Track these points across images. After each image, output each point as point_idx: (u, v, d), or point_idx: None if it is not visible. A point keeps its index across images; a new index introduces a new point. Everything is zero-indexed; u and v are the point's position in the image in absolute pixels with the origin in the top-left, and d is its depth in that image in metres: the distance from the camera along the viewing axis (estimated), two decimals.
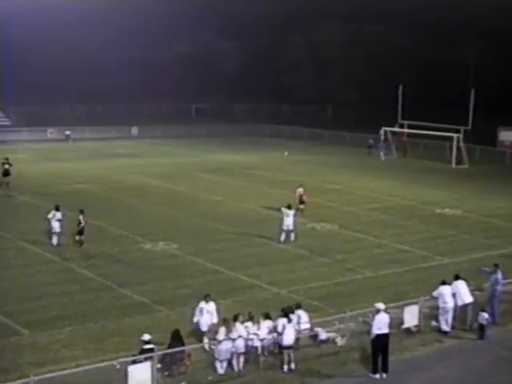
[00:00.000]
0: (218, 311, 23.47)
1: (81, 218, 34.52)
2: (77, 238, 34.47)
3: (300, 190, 43.64)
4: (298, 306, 23.66)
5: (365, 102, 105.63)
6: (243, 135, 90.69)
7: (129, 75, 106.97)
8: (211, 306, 23.24)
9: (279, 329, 21.97)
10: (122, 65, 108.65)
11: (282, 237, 36.27)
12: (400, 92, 72.49)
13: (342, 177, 58.95)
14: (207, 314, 23.05)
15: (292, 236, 36.41)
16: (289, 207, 36.69)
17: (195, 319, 23.13)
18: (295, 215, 37.32)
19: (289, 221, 36.23)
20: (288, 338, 21.88)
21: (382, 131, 73.28)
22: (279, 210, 37.97)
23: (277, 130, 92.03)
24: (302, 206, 42.84)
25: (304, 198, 43.27)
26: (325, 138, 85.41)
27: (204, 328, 23.04)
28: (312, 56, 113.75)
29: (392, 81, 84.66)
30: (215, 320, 23.04)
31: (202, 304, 23.18)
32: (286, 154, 73.46)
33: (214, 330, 22.54)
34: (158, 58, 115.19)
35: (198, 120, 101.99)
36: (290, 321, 22.17)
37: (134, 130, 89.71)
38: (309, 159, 70.39)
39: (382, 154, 72.48)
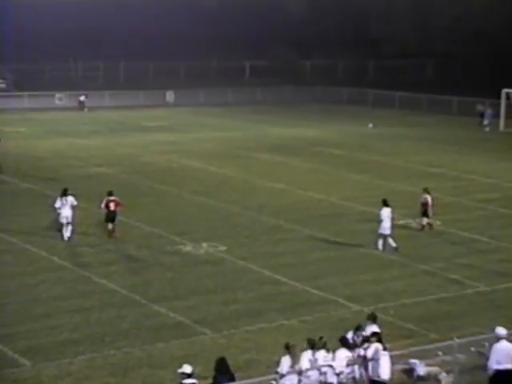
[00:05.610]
0: None
1: (112, 199, 36.11)
2: (109, 226, 35.93)
3: (427, 197, 38.98)
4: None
5: (480, 55, 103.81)
6: (314, 102, 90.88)
7: (163, 22, 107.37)
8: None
9: (369, 354, 21.47)
10: (154, 8, 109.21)
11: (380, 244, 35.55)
12: None
13: (446, 156, 58.58)
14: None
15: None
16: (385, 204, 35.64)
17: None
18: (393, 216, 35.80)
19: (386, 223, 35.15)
20: (385, 370, 21.40)
21: (503, 94, 72.63)
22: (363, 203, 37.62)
23: (359, 94, 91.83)
24: (426, 221, 38.92)
25: (430, 209, 38.78)
26: (423, 104, 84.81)
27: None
28: None
29: None
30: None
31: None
32: (370, 126, 73.46)
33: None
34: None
35: (254, 82, 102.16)
36: (385, 348, 21.70)
37: (170, 96, 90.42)
38: (401, 133, 70.24)
39: (486, 122, 73.34)
